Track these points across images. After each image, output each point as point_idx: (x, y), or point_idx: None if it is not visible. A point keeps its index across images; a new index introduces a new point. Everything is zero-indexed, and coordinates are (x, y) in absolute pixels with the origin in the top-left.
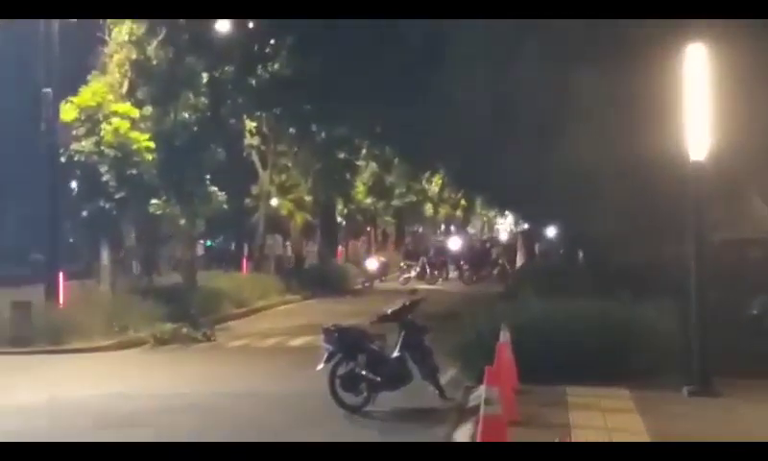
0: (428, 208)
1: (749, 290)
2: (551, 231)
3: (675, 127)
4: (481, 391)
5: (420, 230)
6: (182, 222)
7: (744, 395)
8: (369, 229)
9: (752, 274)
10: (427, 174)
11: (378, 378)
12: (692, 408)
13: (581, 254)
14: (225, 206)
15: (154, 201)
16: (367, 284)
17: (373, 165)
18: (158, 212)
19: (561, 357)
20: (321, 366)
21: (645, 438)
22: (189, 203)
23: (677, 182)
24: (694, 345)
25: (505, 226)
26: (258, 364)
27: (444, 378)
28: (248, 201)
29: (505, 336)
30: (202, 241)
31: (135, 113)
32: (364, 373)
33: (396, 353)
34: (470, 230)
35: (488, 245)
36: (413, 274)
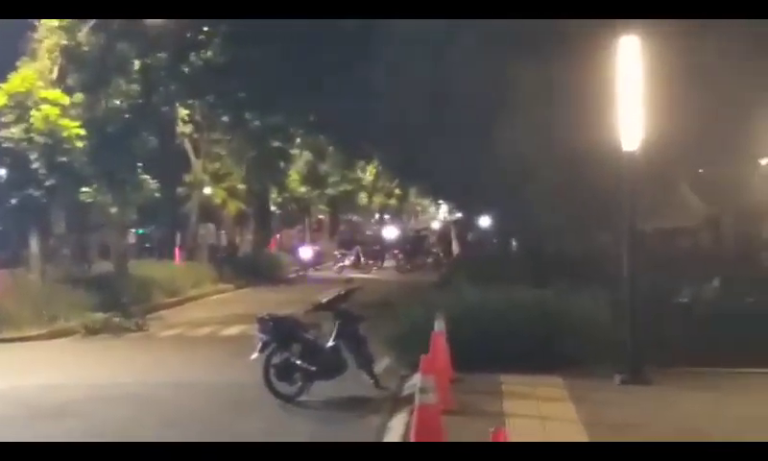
0: (363, 197)
1: (679, 278)
2: (485, 221)
3: (608, 118)
4: (416, 380)
5: (355, 218)
6: (114, 210)
7: (675, 382)
8: (303, 218)
9: (682, 262)
10: (362, 163)
11: (313, 368)
12: (624, 396)
13: (514, 244)
14: (157, 195)
15: (84, 188)
16: (301, 273)
17: (308, 154)
18: (89, 200)
19: (496, 346)
20: (255, 355)
21: (578, 426)
22: (121, 191)
23: (610, 173)
24: (626, 333)
25: (439, 215)
26: (192, 353)
27: (378, 368)
28: (180, 189)
29: (440, 325)
30: (133, 230)
31: (66, 100)
32: (298, 362)
33: (330, 343)
34: (404, 218)
35: (422, 233)
36: (347, 262)
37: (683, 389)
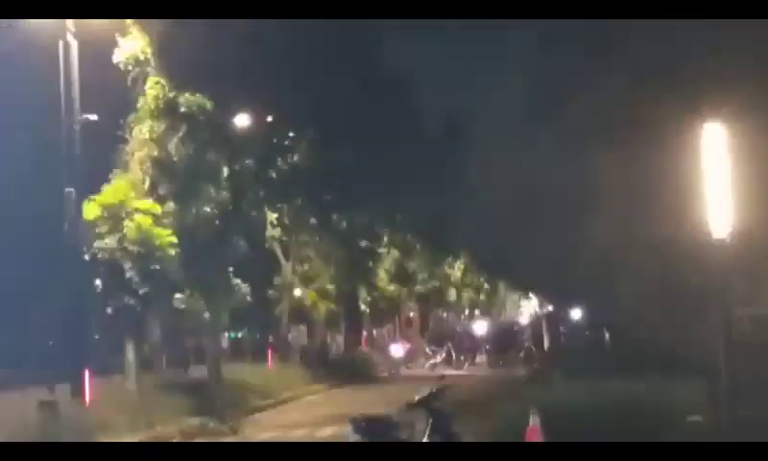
0: (451, 293)
1: None
2: (576, 313)
3: (695, 205)
4: None
5: (445, 314)
6: (207, 315)
7: None
8: (393, 315)
9: None
10: (449, 259)
11: None
12: None
13: (606, 335)
14: (248, 298)
15: (178, 295)
16: (393, 371)
17: (395, 252)
18: (182, 307)
19: (592, 442)
20: None
21: None
22: (213, 296)
23: (701, 260)
24: (725, 425)
25: (529, 308)
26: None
27: None
28: (271, 292)
29: (535, 420)
30: (226, 333)
31: (158, 209)
32: None
33: (424, 441)
34: (494, 313)
35: (514, 328)
36: (439, 359)
37: None
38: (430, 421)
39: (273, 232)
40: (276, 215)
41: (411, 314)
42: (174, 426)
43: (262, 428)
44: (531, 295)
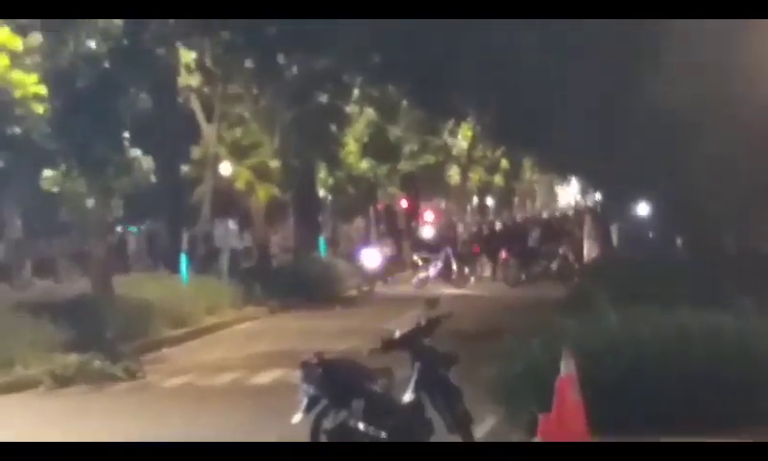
0: (453, 174)
1: None
2: (638, 207)
3: None
4: None
5: (443, 205)
6: (90, 202)
7: None
8: (367, 207)
9: None
10: (450, 123)
11: (383, 434)
12: None
13: (680, 241)
14: (152, 178)
15: (47, 172)
16: (365, 289)
17: (370, 112)
18: (54, 189)
19: (654, 397)
20: (299, 417)
21: None
22: (99, 174)
23: None
24: None
25: (567, 198)
26: (207, 413)
27: (480, 431)
28: (186, 169)
29: (569, 367)
30: (120, 228)
31: (17, 43)
32: (362, 426)
33: (408, 396)
34: (517, 204)
35: (545, 227)
36: (432, 272)
37: None
38: (417, 366)
39: (189, 80)
40: (194, 55)
41: (393, 205)
42: (40, 366)
43: (172, 371)
44: (570, 178)
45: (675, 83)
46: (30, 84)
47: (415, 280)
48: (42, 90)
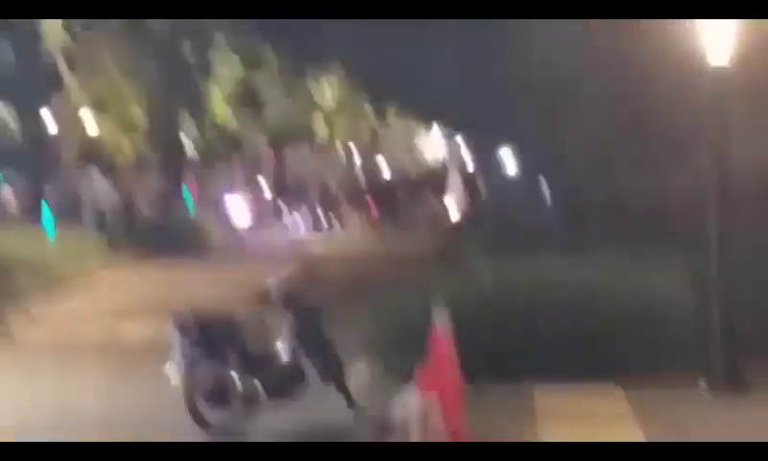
0: (319, 124)
1: None
2: (506, 156)
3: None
4: (410, 398)
5: (309, 154)
6: None
7: None
8: (234, 157)
9: None
10: (318, 74)
11: (259, 385)
12: (712, 410)
13: (546, 190)
14: (11, 127)
15: None
16: (233, 240)
17: (236, 62)
18: None
19: (525, 344)
20: (172, 370)
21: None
22: None
23: (689, 91)
24: (714, 319)
25: (436, 148)
26: (75, 365)
27: (353, 380)
28: (48, 119)
29: (442, 318)
30: None
31: None
32: (237, 378)
33: (282, 348)
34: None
35: (413, 176)
36: (300, 221)
37: None
38: (290, 318)
39: (51, 30)
40: None
41: (260, 155)
42: None
43: (37, 324)
44: (438, 127)
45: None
46: None
47: (284, 230)
48: None
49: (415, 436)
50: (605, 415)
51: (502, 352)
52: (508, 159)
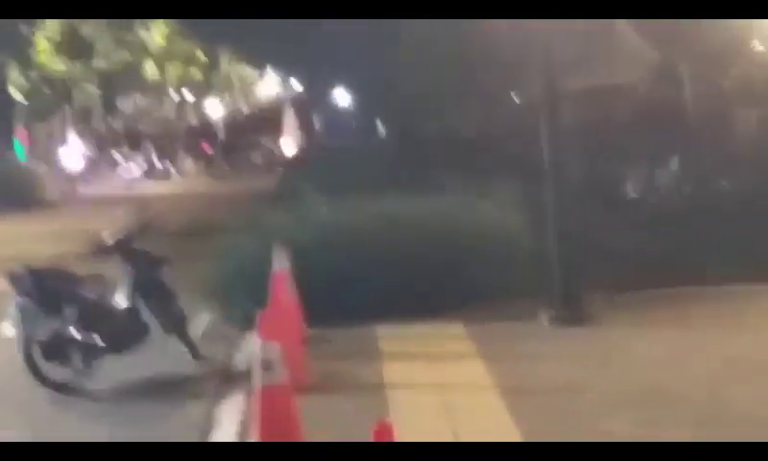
0: (150, 69)
1: (622, 162)
2: (338, 95)
3: None
4: (253, 346)
5: (144, 102)
6: None
7: (626, 315)
8: (63, 105)
9: (625, 137)
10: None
11: (98, 339)
12: (555, 342)
13: (381, 128)
14: None
15: None
16: (66, 191)
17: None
18: None
19: (365, 285)
20: (9, 329)
21: (495, 397)
22: None
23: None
24: (551, 249)
25: (269, 89)
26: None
27: (195, 330)
28: None
29: (281, 262)
30: None
31: None
32: (76, 333)
33: (121, 301)
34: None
35: (247, 118)
36: (135, 169)
37: (637, 325)
38: (129, 270)
39: None
40: None
41: (91, 104)
42: None
43: None
44: (269, 70)
45: None
46: None
47: (120, 178)
48: None
49: (259, 384)
50: (448, 354)
51: (343, 291)
52: (342, 100)
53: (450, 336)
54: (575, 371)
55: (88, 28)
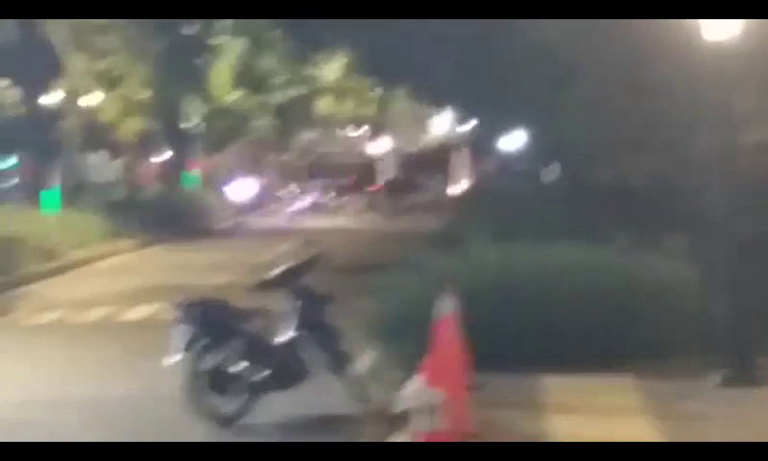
0: (324, 104)
1: None
2: (512, 138)
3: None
4: (415, 388)
5: (315, 137)
6: None
7: None
8: (238, 138)
9: None
10: (321, 54)
11: (262, 374)
12: (727, 403)
13: (550, 173)
14: (21, 109)
15: None
16: (237, 221)
17: (242, 43)
18: None
19: (533, 335)
20: (175, 357)
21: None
22: None
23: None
24: (724, 307)
25: (442, 128)
26: (77, 350)
27: (358, 370)
28: (50, 99)
29: (448, 306)
30: None
31: None
32: (241, 366)
33: (286, 336)
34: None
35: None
36: (306, 203)
37: None
38: (295, 306)
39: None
40: None
41: (265, 136)
42: None
43: (41, 307)
44: (445, 107)
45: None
46: None
47: (288, 212)
48: None
49: (419, 429)
50: (616, 409)
51: (511, 340)
52: (512, 145)
53: (618, 390)
54: (745, 433)
55: (264, 61)
